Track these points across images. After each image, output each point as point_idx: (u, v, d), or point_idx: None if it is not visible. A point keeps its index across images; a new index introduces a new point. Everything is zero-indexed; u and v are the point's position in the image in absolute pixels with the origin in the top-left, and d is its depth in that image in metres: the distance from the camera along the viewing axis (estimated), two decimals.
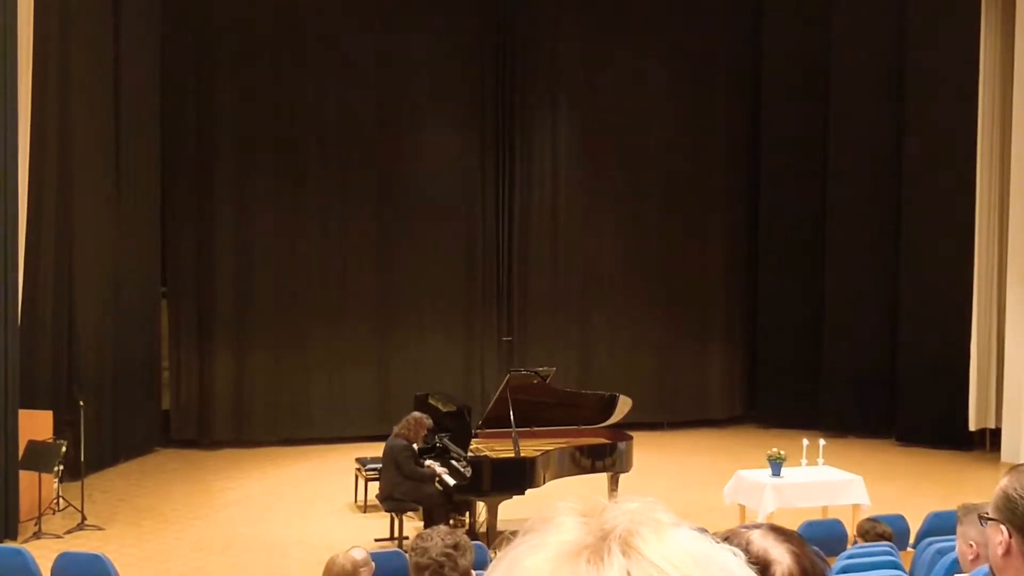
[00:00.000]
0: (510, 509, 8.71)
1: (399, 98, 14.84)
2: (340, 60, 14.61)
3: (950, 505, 3.48)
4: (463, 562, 3.21)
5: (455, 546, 3.24)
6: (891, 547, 6.25)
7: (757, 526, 1.73)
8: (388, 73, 14.77)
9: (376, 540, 9.27)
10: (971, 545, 3.23)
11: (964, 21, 13.49)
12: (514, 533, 0.79)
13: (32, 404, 10.32)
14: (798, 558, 1.65)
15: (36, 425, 10.01)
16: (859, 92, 14.95)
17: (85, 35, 12.02)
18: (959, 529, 3.36)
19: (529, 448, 9.03)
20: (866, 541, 6.55)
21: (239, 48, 14.35)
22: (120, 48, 12.74)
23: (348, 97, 14.69)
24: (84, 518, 9.98)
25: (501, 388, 9.33)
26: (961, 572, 3.25)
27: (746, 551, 1.65)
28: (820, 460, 9.65)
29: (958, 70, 13.68)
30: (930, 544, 5.98)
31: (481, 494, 8.93)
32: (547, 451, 9.06)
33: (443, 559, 3.14)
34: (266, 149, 14.45)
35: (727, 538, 1.81)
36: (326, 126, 14.66)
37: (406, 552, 3.29)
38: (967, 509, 3.32)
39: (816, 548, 1.81)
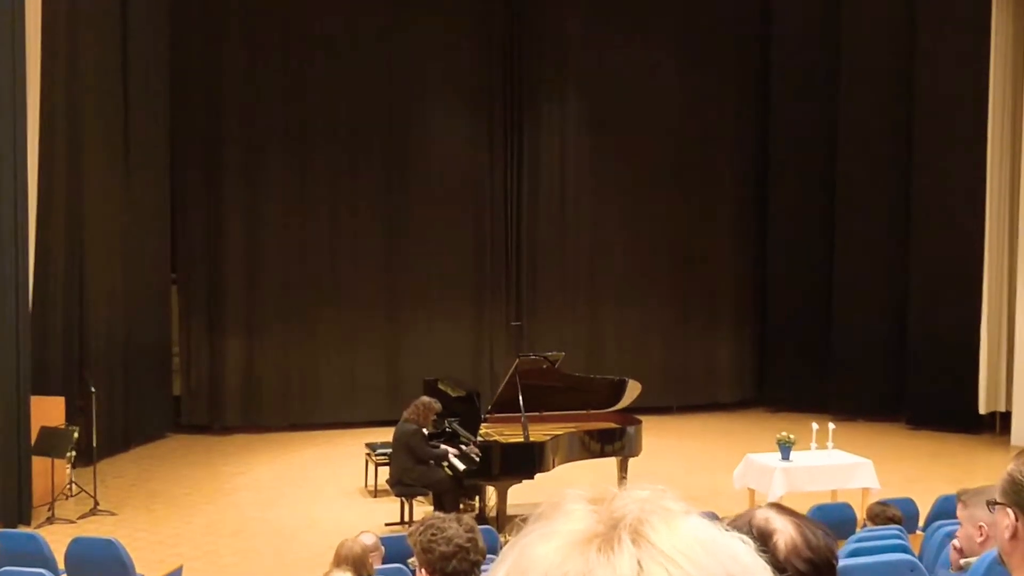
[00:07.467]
0: (520, 493, 8.73)
1: (408, 83, 14.82)
2: (349, 44, 14.59)
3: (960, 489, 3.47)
4: (482, 544, 3.21)
5: (471, 528, 3.24)
6: (901, 530, 6.25)
7: (760, 507, 1.75)
8: (397, 58, 14.74)
9: (386, 524, 9.32)
10: (980, 527, 3.23)
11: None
12: (525, 519, 0.79)
13: (44, 390, 10.38)
14: (800, 528, 1.67)
15: (48, 411, 10.07)
16: (870, 71, 14.83)
17: (93, 19, 12.01)
18: (964, 512, 3.35)
19: (538, 432, 9.05)
20: (875, 525, 6.55)
21: (248, 33, 14.34)
22: (128, 32, 12.73)
23: (357, 82, 14.67)
24: (96, 503, 10.05)
25: (510, 373, 9.34)
26: (964, 557, 3.24)
27: (748, 528, 1.68)
28: (830, 444, 9.65)
29: (970, 43, 13.58)
30: (940, 527, 5.97)
31: (491, 478, 8.95)
32: (556, 435, 9.07)
33: (468, 544, 3.13)
34: (275, 134, 14.47)
35: (733, 522, 1.82)
36: (335, 111, 14.65)
37: (414, 542, 3.24)
38: (974, 492, 3.31)
39: (825, 526, 1.82)
